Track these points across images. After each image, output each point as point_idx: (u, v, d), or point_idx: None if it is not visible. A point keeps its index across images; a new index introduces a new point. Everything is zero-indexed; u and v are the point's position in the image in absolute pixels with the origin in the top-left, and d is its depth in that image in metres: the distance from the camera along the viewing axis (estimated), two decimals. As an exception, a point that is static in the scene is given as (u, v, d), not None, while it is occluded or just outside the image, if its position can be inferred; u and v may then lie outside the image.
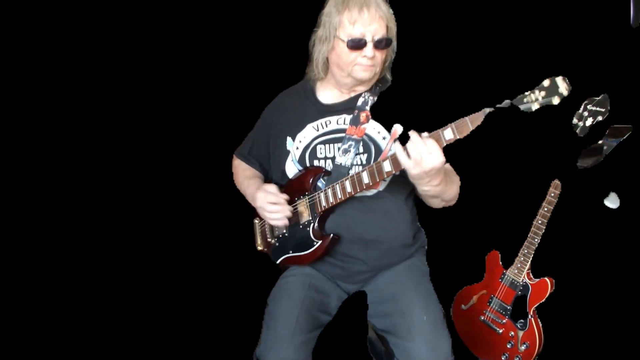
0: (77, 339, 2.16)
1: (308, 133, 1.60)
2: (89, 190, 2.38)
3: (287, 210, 1.57)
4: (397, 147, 1.32)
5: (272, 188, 1.58)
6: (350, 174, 1.47)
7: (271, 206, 1.56)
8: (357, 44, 1.47)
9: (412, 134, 1.31)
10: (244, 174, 1.77)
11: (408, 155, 1.30)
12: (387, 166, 1.39)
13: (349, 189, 1.46)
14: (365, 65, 1.50)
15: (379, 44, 1.49)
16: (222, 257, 2.41)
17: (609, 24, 2.14)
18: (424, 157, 1.29)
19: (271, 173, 1.74)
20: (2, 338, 2.11)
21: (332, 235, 1.54)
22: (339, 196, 1.48)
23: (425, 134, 1.31)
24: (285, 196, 1.57)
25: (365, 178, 1.43)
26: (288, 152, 1.62)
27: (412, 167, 1.31)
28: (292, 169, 1.61)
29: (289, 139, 1.62)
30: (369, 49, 1.48)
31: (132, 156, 2.40)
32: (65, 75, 2.30)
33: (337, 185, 1.48)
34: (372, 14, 1.46)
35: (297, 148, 1.60)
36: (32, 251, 2.31)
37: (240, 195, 1.77)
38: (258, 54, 2.35)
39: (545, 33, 2.22)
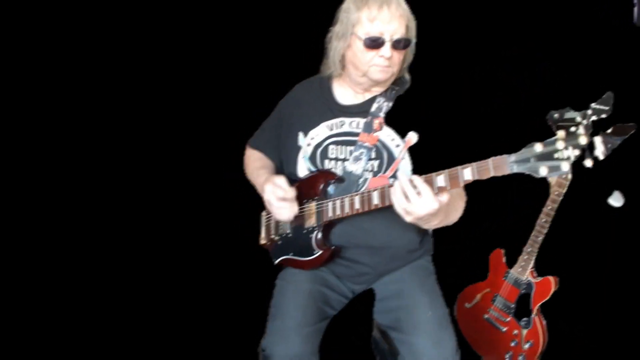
0: (76, 338, 2.17)
1: (321, 131, 1.57)
2: (87, 185, 2.38)
3: (294, 207, 1.52)
4: (396, 191, 1.27)
5: (281, 181, 1.50)
6: (361, 191, 1.44)
7: (279, 202, 1.50)
8: (374, 43, 1.41)
9: (402, 179, 1.26)
10: (254, 165, 1.74)
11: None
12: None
13: (357, 205, 1.42)
14: (382, 66, 1.44)
15: (398, 44, 1.42)
16: (224, 250, 2.41)
17: (612, 22, 2.14)
18: (413, 206, 1.24)
19: (282, 166, 1.71)
20: (1, 338, 2.13)
21: (333, 247, 1.53)
22: (347, 210, 1.45)
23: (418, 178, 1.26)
24: (293, 191, 1.50)
25: (375, 199, 1.38)
26: (299, 148, 1.59)
27: (404, 216, 1.28)
28: (302, 165, 1.59)
29: (300, 134, 1.59)
30: (386, 49, 1.41)
31: (135, 150, 2.40)
32: (68, 75, 2.30)
33: (347, 200, 1.45)
34: (393, 12, 1.40)
35: (309, 145, 1.57)
36: (31, 251, 2.31)
37: (244, 189, 1.75)
38: (271, 48, 2.35)
39: (548, 32, 2.22)
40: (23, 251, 2.30)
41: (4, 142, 2.26)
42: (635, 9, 2.03)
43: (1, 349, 2.09)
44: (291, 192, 1.50)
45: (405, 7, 1.45)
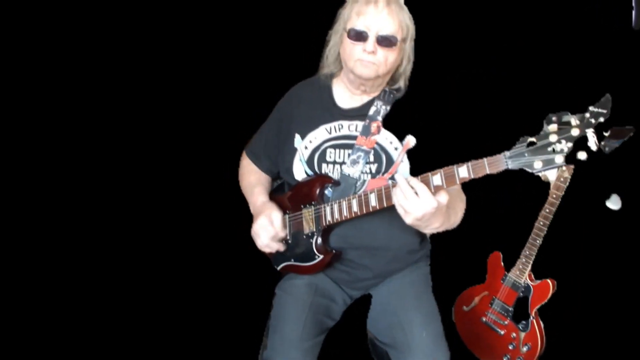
0: (74, 339, 2.16)
1: (320, 134, 1.56)
2: (85, 187, 2.38)
3: (280, 246, 1.58)
4: (396, 190, 1.28)
5: (277, 220, 1.55)
6: (358, 193, 1.44)
7: (267, 239, 1.55)
8: (358, 36, 1.42)
9: (398, 178, 1.27)
10: (249, 180, 1.73)
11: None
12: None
13: (355, 208, 1.42)
14: (366, 61, 1.43)
15: (382, 41, 1.41)
16: (224, 258, 2.41)
17: (611, 27, 2.14)
18: (411, 204, 1.24)
19: (278, 168, 1.70)
20: (1, 338, 2.12)
21: (334, 251, 1.53)
22: (345, 214, 1.45)
23: (414, 179, 1.26)
24: (284, 232, 1.57)
25: (373, 201, 1.38)
26: (295, 150, 1.57)
27: (403, 216, 1.28)
28: (299, 168, 1.57)
29: (297, 136, 1.57)
30: (369, 44, 1.41)
31: (133, 153, 2.39)
32: (68, 76, 2.30)
33: (344, 203, 1.45)
34: (380, 8, 1.41)
35: (306, 148, 1.56)
36: (31, 251, 2.31)
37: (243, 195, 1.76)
38: (268, 49, 2.35)
39: (547, 36, 2.22)
40: (21, 251, 2.29)
41: (4, 142, 2.26)
42: (634, 13, 2.04)
43: (1, 349, 2.08)
44: (282, 232, 1.56)
45: (397, 7, 1.44)
